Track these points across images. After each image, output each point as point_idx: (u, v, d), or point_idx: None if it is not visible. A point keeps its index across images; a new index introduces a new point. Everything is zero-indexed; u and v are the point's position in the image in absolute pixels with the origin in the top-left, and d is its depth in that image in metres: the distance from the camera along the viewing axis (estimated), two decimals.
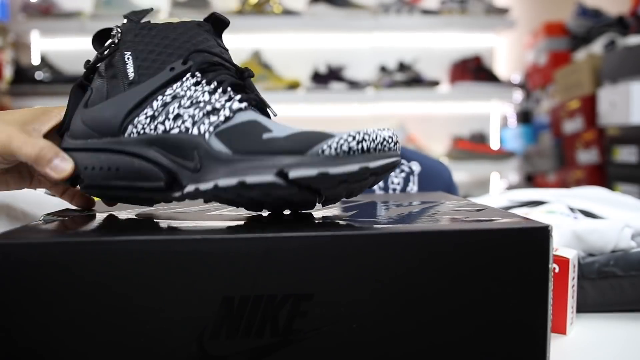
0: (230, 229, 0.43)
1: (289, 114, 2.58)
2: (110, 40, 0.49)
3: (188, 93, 0.46)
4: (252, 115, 0.45)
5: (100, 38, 0.51)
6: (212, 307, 0.39)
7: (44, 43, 2.51)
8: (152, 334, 0.39)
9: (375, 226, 0.42)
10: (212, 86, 0.46)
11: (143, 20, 0.49)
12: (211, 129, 0.44)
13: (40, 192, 0.56)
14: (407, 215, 0.48)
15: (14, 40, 2.42)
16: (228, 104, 0.45)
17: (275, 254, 0.39)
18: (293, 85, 2.39)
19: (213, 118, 0.44)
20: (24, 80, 2.30)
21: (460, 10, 2.46)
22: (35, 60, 2.46)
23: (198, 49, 0.47)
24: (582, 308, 0.59)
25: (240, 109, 0.45)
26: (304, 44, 2.62)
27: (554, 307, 0.54)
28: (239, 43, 2.51)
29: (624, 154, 2.03)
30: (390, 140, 0.42)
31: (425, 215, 0.48)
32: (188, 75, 0.46)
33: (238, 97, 0.46)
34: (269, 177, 0.40)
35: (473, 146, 2.51)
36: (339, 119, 2.64)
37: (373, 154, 0.42)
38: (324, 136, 0.42)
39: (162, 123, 0.45)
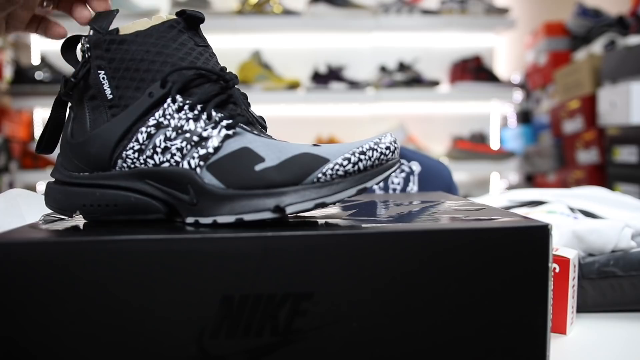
0: (230, 228, 0.43)
1: (289, 114, 2.58)
2: (81, 58, 0.47)
3: (172, 122, 0.44)
4: (242, 140, 0.44)
5: (68, 46, 0.49)
6: (211, 307, 0.39)
7: (44, 43, 2.51)
8: (151, 333, 0.39)
9: (375, 225, 0.42)
10: (196, 112, 0.44)
11: (111, 27, 0.46)
12: (201, 162, 0.43)
13: (41, 192, 0.56)
14: (407, 215, 0.48)
15: (14, 40, 2.42)
16: (215, 132, 0.44)
17: (275, 253, 0.39)
18: (293, 85, 2.39)
19: (202, 151, 0.43)
20: (24, 80, 2.30)
21: (460, 10, 2.46)
22: (35, 60, 2.46)
23: (175, 68, 0.44)
24: (582, 308, 0.59)
25: (228, 136, 0.44)
26: (304, 44, 2.62)
27: (554, 307, 0.54)
28: (239, 43, 2.52)
29: (624, 154, 2.03)
30: (388, 151, 0.42)
31: (425, 214, 0.48)
32: (169, 100, 0.44)
33: (225, 122, 0.44)
34: (266, 214, 0.41)
35: (473, 146, 2.51)
36: (339, 119, 2.64)
37: (370, 172, 0.42)
38: (318, 162, 0.41)
39: (151, 157, 0.44)
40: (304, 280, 0.39)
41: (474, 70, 2.48)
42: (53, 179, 0.49)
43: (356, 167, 0.41)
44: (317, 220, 0.45)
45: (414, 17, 2.44)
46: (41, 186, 2.45)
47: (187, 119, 0.44)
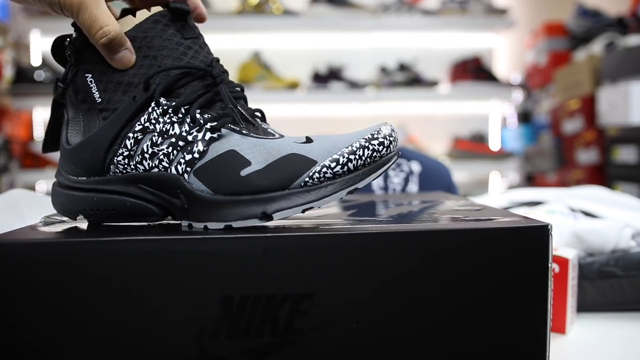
0: (230, 229, 0.43)
1: (289, 114, 2.58)
2: (68, 62, 0.46)
3: (157, 127, 0.43)
4: (228, 143, 0.43)
5: (57, 46, 0.47)
6: (211, 307, 0.39)
7: (45, 43, 2.51)
8: (152, 333, 0.39)
9: (375, 225, 0.42)
10: (180, 115, 0.43)
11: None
12: (188, 168, 0.42)
13: (41, 193, 0.56)
14: (407, 215, 0.48)
15: (15, 40, 2.42)
16: (200, 136, 0.43)
17: (275, 254, 0.39)
18: (293, 85, 2.39)
19: (188, 156, 0.42)
20: (25, 80, 2.30)
21: (460, 10, 2.46)
22: (36, 61, 2.46)
23: (159, 69, 0.43)
24: (582, 308, 0.59)
25: (213, 139, 0.43)
26: (304, 44, 2.62)
27: (554, 307, 0.54)
28: (239, 43, 2.52)
29: (624, 154, 2.03)
30: (382, 147, 0.41)
31: (425, 214, 0.48)
32: (153, 104, 0.43)
33: (209, 125, 0.43)
34: (254, 221, 0.41)
35: (473, 146, 2.51)
36: (339, 119, 2.64)
37: (362, 170, 0.40)
38: (305, 165, 0.40)
39: (141, 163, 0.44)
40: (304, 281, 0.39)
41: (473, 70, 2.48)
42: (57, 181, 0.49)
43: (345, 168, 0.40)
44: (318, 220, 0.45)
45: (413, 17, 2.44)
46: (41, 186, 2.45)
47: (172, 123, 0.43)
